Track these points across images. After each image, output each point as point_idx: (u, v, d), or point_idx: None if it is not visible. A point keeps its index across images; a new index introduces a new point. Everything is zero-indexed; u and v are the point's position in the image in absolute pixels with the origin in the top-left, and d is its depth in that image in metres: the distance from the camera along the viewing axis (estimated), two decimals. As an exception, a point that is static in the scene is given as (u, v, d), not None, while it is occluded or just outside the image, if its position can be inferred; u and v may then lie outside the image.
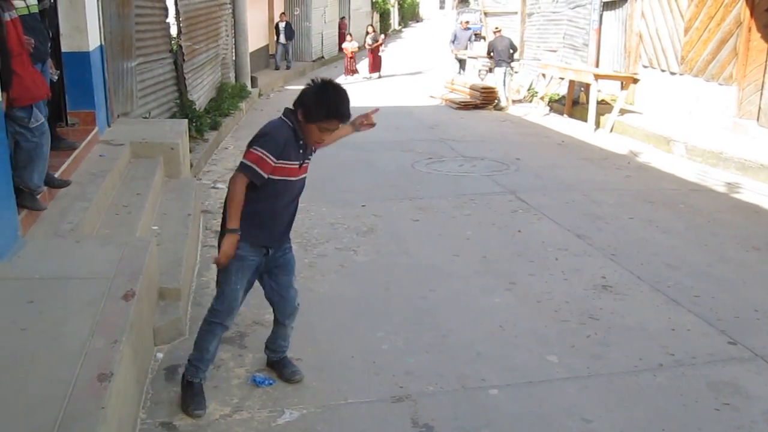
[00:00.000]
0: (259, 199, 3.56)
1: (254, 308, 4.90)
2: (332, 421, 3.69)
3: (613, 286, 5.53)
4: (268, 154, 3.48)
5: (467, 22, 21.06)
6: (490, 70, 17.16)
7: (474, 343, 4.57)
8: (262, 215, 3.60)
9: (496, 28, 17.30)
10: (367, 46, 24.11)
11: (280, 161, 3.52)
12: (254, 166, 3.48)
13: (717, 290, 5.48)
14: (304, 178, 3.73)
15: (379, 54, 24.18)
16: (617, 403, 3.91)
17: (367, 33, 24.93)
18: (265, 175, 3.50)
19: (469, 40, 20.49)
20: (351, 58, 23.83)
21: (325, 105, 3.46)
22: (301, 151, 3.59)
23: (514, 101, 16.42)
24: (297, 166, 3.60)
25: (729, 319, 4.97)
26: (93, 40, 7.21)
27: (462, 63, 19.89)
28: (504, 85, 16.20)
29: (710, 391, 4.03)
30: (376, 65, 24.03)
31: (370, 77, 23.63)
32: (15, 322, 3.55)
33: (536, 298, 5.29)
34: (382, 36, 26.35)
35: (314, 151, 3.74)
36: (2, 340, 3.39)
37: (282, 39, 23.52)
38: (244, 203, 3.54)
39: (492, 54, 16.56)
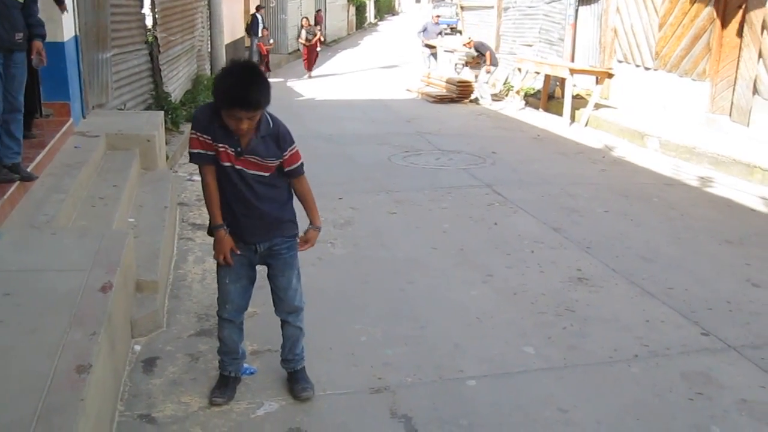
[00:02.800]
0: (220, 188, 3.53)
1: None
2: (311, 412, 3.70)
3: (588, 279, 5.59)
4: (197, 132, 3.44)
5: (438, 17, 21.01)
6: (466, 64, 17.18)
7: (452, 334, 4.61)
8: (224, 205, 3.56)
9: (469, 39, 17.41)
10: (302, 42, 22.08)
11: (218, 143, 3.41)
12: (192, 150, 3.50)
13: (690, 283, 5.56)
14: (257, 176, 3.49)
15: (317, 50, 22.33)
16: (593, 393, 3.96)
17: (302, 26, 22.67)
18: (207, 152, 3.43)
19: (440, 34, 20.50)
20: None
21: (221, 91, 3.27)
22: (230, 136, 3.39)
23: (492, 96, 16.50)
24: (233, 153, 3.42)
25: (702, 311, 5.04)
26: (68, 30, 7.14)
27: (434, 53, 19.83)
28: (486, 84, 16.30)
29: (684, 381, 4.10)
30: (310, 63, 22.01)
31: (307, 76, 21.69)
32: (-9, 314, 3.52)
33: (513, 291, 5.34)
34: (318, 29, 23.38)
35: (263, 154, 3.47)
36: (-22, 333, 3.36)
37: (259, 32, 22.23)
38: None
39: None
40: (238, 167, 3.46)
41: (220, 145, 3.42)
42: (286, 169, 3.58)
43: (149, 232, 5.59)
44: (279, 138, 3.50)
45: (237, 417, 3.65)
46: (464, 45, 17.21)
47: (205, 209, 7.08)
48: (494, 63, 16.40)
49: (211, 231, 3.64)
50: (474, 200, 7.77)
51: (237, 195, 3.51)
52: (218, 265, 3.68)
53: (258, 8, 22.50)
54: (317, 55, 22.24)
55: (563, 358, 4.34)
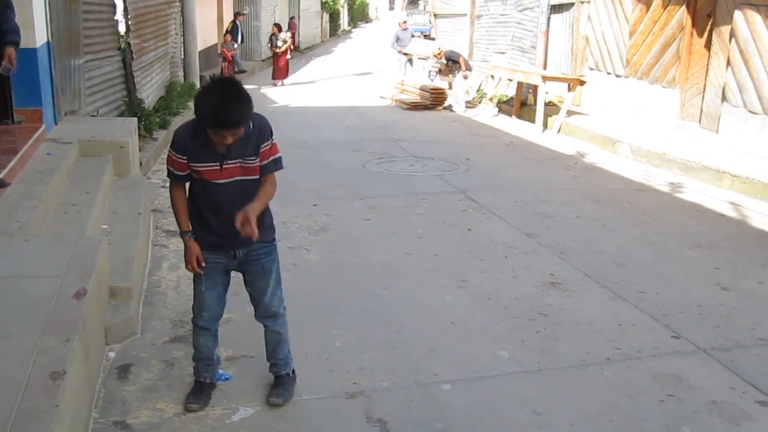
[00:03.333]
0: (194, 200, 3.56)
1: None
2: (286, 417, 3.71)
3: (561, 283, 5.65)
4: (173, 152, 3.47)
5: (405, 22, 20.92)
6: (440, 72, 17.28)
7: (427, 339, 4.63)
8: (198, 217, 3.57)
9: (439, 50, 17.48)
10: (274, 49, 21.31)
11: (194, 163, 3.43)
12: (167, 166, 3.55)
13: (661, 287, 5.64)
14: (240, 181, 3.48)
15: (287, 57, 21.53)
16: (566, 395, 4.01)
17: (273, 33, 21.80)
18: (180, 173, 3.48)
19: (412, 36, 20.59)
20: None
21: (203, 111, 3.26)
22: (212, 151, 3.39)
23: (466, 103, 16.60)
24: (217, 168, 3.42)
25: (673, 314, 5.12)
26: (40, 36, 7.08)
27: (410, 59, 19.90)
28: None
29: (655, 383, 4.16)
30: (281, 71, 21.31)
31: (278, 84, 21.09)
32: (-37, 321, 3.50)
33: (487, 296, 5.38)
34: (289, 35, 22.50)
35: (244, 154, 3.45)
36: (-49, 340, 3.33)
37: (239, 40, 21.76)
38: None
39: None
40: (221, 182, 3.45)
41: (199, 165, 3.43)
42: (262, 163, 3.53)
43: (123, 238, 5.56)
44: (260, 134, 3.49)
45: (212, 423, 3.65)
46: (435, 55, 17.30)
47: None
48: (469, 68, 16.53)
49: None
50: (448, 206, 7.82)
51: (215, 205, 3.51)
52: (194, 273, 3.68)
53: (237, 15, 22.35)
54: (287, 64, 21.60)
55: (537, 361, 4.39)
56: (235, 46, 20.92)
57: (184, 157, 3.43)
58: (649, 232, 7.09)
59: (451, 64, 16.47)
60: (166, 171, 3.58)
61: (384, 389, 4.02)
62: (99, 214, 5.84)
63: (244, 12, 23.97)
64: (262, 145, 3.50)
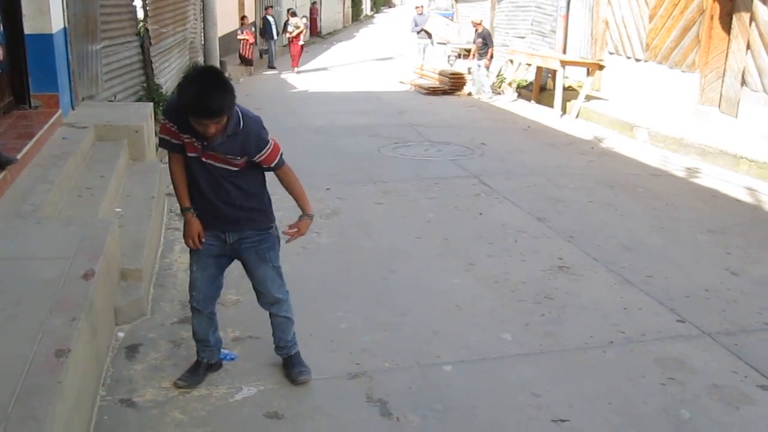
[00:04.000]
0: (189, 175, 3.56)
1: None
2: (289, 396, 3.78)
3: (569, 267, 5.66)
4: (166, 119, 3.48)
5: (421, 7, 20.40)
6: (459, 56, 17.19)
7: (431, 322, 4.68)
8: (193, 192, 3.59)
9: (480, 20, 16.54)
10: (287, 35, 21.07)
11: (184, 134, 3.42)
12: (162, 136, 3.53)
13: (670, 271, 5.63)
14: (225, 169, 3.48)
15: (300, 44, 21.09)
16: (566, 378, 4.04)
17: (286, 20, 21.75)
18: (171, 140, 3.47)
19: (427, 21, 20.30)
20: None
21: (184, 99, 3.23)
22: (197, 133, 3.37)
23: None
24: (199, 146, 3.42)
25: (680, 299, 5.12)
26: (56, 22, 7.17)
27: (430, 37, 19.63)
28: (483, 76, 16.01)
29: (657, 366, 4.17)
30: (293, 58, 20.88)
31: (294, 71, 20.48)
32: (-27, 301, 3.59)
33: (494, 279, 5.41)
34: (304, 20, 22.53)
35: (228, 151, 3.43)
36: (-40, 319, 3.42)
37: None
38: None
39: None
40: (204, 160, 3.46)
41: (186, 136, 3.42)
42: (265, 167, 3.59)
43: (135, 221, 5.65)
44: (249, 139, 3.45)
45: (216, 401, 3.72)
46: (472, 23, 16.77)
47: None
48: (491, 57, 16.25)
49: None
50: (460, 191, 7.83)
51: (204, 185, 3.52)
52: (190, 251, 3.74)
53: (267, 9, 22.14)
54: (301, 50, 21.19)
55: (539, 344, 4.42)
56: (252, 29, 20.88)
57: (175, 126, 3.44)
58: (662, 216, 7.06)
59: (481, 45, 15.95)
60: (159, 141, 3.62)
61: (386, 370, 4.07)
62: (112, 197, 5.93)
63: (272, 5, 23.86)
64: (261, 153, 3.50)
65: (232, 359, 4.11)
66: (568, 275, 5.51)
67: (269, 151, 3.54)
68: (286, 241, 3.79)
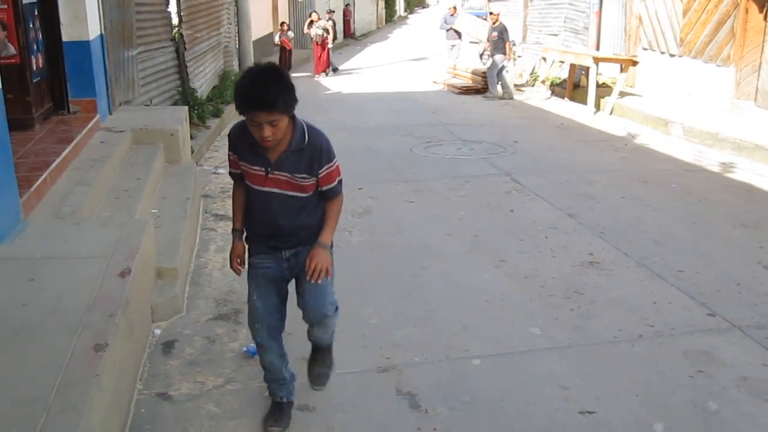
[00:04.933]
0: (250, 201, 3.37)
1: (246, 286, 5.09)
2: (320, 390, 3.85)
3: (599, 263, 5.67)
4: (229, 150, 3.34)
5: (455, 8, 20.07)
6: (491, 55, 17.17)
7: (460, 317, 4.73)
8: (252, 215, 3.39)
9: (497, 14, 16.37)
10: (314, 38, 20.38)
11: (242, 163, 3.25)
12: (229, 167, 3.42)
13: (701, 265, 5.62)
14: (286, 196, 3.24)
15: (328, 48, 20.61)
16: (594, 371, 4.06)
17: (312, 21, 20.73)
18: (234, 170, 3.34)
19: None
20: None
21: (237, 92, 3.04)
22: (260, 154, 3.18)
23: (516, 86, 16.44)
24: (262, 174, 3.21)
25: (710, 293, 5.11)
26: (93, 29, 7.37)
27: (460, 36, 19.55)
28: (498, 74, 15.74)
29: (686, 359, 4.18)
30: (322, 62, 20.47)
31: (324, 75, 20.28)
32: (16, 298, 3.72)
33: (524, 275, 5.44)
34: (331, 23, 21.31)
35: (294, 169, 3.20)
36: (4, 315, 3.56)
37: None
38: None
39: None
40: (265, 189, 3.23)
41: (245, 164, 3.24)
42: (321, 189, 3.29)
43: (171, 222, 5.78)
44: (315, 152, 3.19)
45: (249, 395, 3.81)
46: (490, 14, 16.56)
47: (229, 201, 7.31)
48: (510, 56, 16.00)
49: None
50: (492, 188, 7.87)
51: (259, 211, 3.32)
52: (248, 282, 3.48)
53: (329, 13, 21.92)
54: (329, 54, 20.71)
55: (568, 338, 4.45)
56: (290, 34, 20.87)
57: (235, 156, 3.28)
58: (695, 211, 7.03)
59: (497, 39, 15.61)
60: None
61: (415, 364, 4.14)
62: (149, 199, 6.08)
63: (299, 0, 23.88)
64: (322, 169, 3.23)
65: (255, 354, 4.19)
66: (598, 270, 5.52)
67: (332, 168, 3.27)
68: (310, 280, 3.29)
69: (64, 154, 5.87)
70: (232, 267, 3.52)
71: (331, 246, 3.42)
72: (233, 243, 3.50)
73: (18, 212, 4.61)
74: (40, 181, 5.22)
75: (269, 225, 3.32)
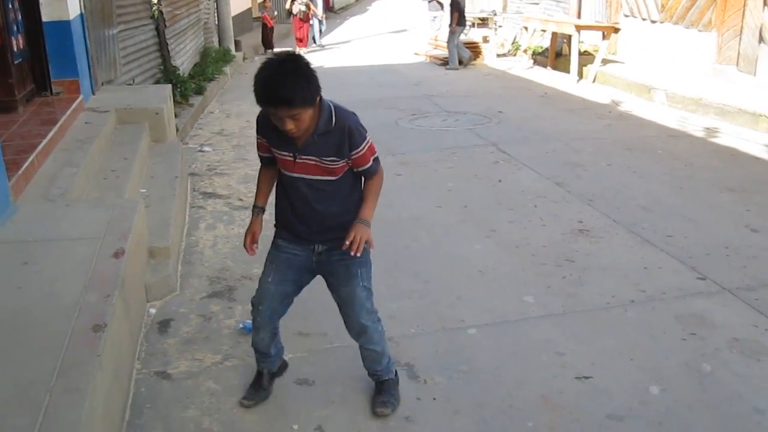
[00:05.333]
0: (281, 185, 3.25)
1: (242, 263, 5.12)
2: (317, 363, 3.89)
3: (589, 230, 5.71)
4: (257, 134, 3.21)
5: None
6: (473, 25, 17.13)
7: (454, 287, 4.77)
8: (283, 201, 3.26)
9: None
10: (296, 14, 19.75)
11: (274, 149, 3.14)
12: (258, 150, 3.29)
13: (690, 230, 5.68)
14: (315, 181, 3.11)
15: (309, 23, 20.14)
16: (589, 337, 4.11)
17: None
18: (263, 154, 3.24)
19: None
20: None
21: (254, 87, 2.88)
22: (286, 139, 3.04)
23: (498, 56, 16.44)
24: (290, 159, 3.09)
25: (700, 257, 5.17)
26: (73, 8, 7.27)
27: (442, 7, 19.34)
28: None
29: (678, 323, 4.24)
30: (304, 36, 19.97)
31: (308, 50, 19.54)
32: (11, 281, 3.71)
33: (515, 244, 5.48)
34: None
35: (321, 153, 3.05)
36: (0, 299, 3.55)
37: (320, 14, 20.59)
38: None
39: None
40: (294, 175, 3.12)
41: (276, 151, 3.15)
42: (356, 170, 3.16)
43: (160, 201, 5.76)
44: (344, 134, 3.03)
45: (248, 371, 3.82)
46: None
47: (216, 179, 7.32)
48: (461, 23, 15.73)
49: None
50: (479, 159, 7.89)
51: (296, 197, 3.18)
52: (265, 261, 3.37)
53: None
54: (308, 29, 20.25)
55: (561, 305, 4.49)
56: (275, 13, 20.44)
57: (264, 139, 3.17)
58: (681, 177, 7.08)
59: (452, 10, 15.49)
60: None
61: (412, 335, 4.17)
62: (137, 178, 6.05)
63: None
64: (354, 151, 3.06)
65: (251, 331, 4.20)
66: (588, 238, 5.56)
67: (364, 149, 3.10)
68: (351, 252, 3.10)
69: (49, 135, 5.82)
70: (244, 245, 3.37)
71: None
72: (251, 220, 3.38)
73: (7, 195, 4.58)
74: (27, 163, 5.18)
75: (300, 212, 3.20)
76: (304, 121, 2.92)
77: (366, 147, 3.11)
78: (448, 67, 15.52)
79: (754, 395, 3.53)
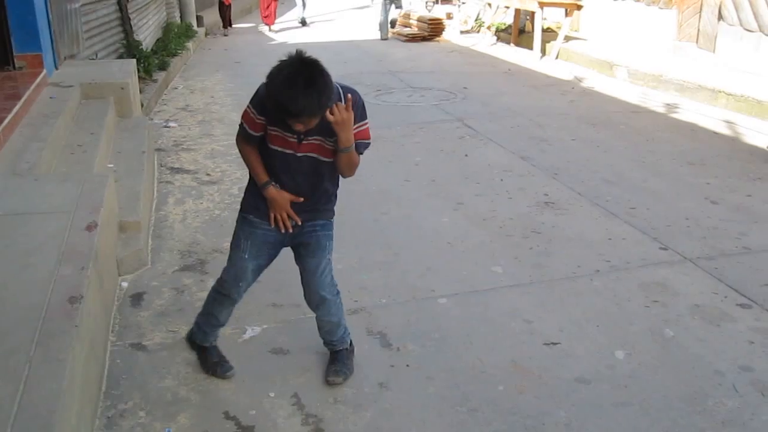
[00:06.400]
0: (268, 162, 3.19)
1: (213, 237, 5.16)
2: (292, 334, 3.94)
3: (554, 203, 5.83)
4: (252, 109, 3.09)
5: None
6: (437, 2, 17.15)
7: (424, 259, 4.85)
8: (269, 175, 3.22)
9: None
10: None
11: (272, 127, 3.08)
12: (242, 122, 3.16)
13: (652, 202, 5.82)
14: (314, 159, 3.12)
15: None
16: (556, 305, 4.23)
17: None
18: (253, 132, 3.13)
19: None
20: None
21: (269, 94, 2.84)
22: None
23: (462, 32, 16.50)
24: (294, 140, 3.06)
25: (662, 228, 5.31)
26: (35, -19, 7.16)
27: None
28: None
29: (641, 291, 4.37)
30: (272, 13, 18.55)
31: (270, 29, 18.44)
32: (-17, 255, 3.70)
33: (482, 217, 5.57)
34: None
35: (326, 133, 3.05)
36: (-27, 272, 3.54)
37: None
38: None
39: None
40: (300, 154, 3.10)
41: (276, 131, 3.09)
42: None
43: (129, 176, 5.74)
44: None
45: (224, 342, 3.84)
46: None
47: (183, 154, 7.28)
48: (398, 5, 16.50)
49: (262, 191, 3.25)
50: (445, 134, 7.96)
51: (289, 177, 3.17)
52: (238, 237, 3.35)
53: None
54: (276, 6, 19.26)
55: (529, 275, 4.60)
56: None
57: (263, 118, 3.07)
58: (643, 151, 7.23)
59: None
60: (239, 127, 3.20)
61: (383, 305, 4.25)
62: (104, 153, 6.01)
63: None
64: (355, 126, 3.09)
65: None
66: (554, 210, 5.68)
67: (363, 126, 3.17)
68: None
69: (15, 110, 5.74)
70: (282, 215, 3.23)
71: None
72: (273, 195, 3.19)
73: (-25, 170, 4.55)
74: (-8, 138, 5.14)
75: (291, 191, 3.18)
76: (314, 121, 2.93)
77: (364, 126, 3.18)
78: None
79: (715, 358, 3.67)
